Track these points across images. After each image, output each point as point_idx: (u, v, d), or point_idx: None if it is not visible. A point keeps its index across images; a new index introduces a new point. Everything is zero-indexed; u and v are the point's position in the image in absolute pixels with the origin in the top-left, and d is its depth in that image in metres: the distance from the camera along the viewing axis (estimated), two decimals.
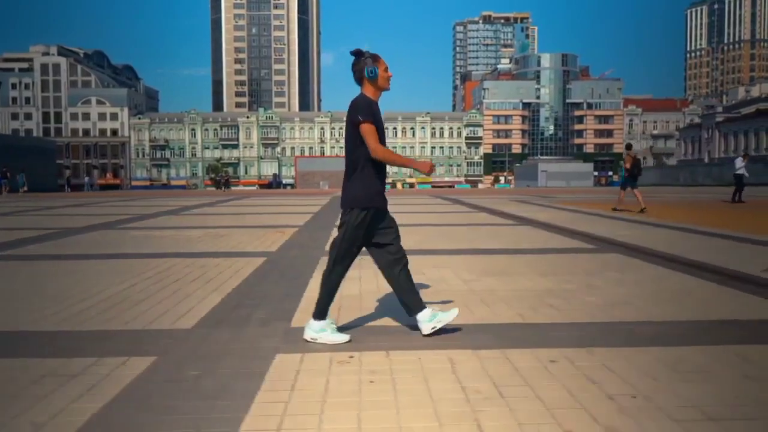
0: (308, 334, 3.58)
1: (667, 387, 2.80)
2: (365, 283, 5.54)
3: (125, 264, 6.68)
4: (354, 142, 3.55)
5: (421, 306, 3.66)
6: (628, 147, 15.71)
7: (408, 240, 9.06)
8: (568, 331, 3.78)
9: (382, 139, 3.56)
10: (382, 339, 3.65)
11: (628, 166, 15.21)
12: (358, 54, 3.59)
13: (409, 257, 6.39)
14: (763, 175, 44.22)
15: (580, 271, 6.06)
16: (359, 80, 3.59)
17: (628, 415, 2.48)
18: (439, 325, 3.63)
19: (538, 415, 2.49)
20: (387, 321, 4.14)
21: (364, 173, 3.55)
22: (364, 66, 3.54)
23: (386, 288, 4.77)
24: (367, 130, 3.48)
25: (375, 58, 3.57)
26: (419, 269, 6.28)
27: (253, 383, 2.87)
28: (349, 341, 3.55)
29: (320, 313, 3.59)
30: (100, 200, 27.35)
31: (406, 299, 3.69)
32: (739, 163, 20.07)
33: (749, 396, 2.69)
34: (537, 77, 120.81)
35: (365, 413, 2.53)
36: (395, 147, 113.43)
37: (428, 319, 3.64)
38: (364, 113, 3.48)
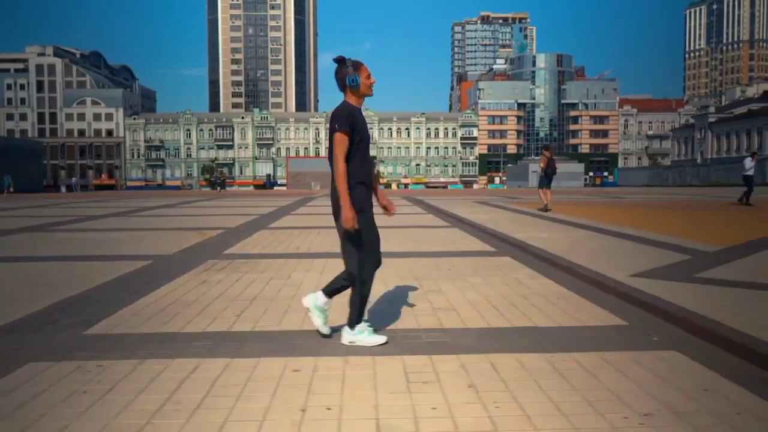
0: (346, 338, 3.62)
1: (371, 398, 2.75)
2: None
3: (1, 267, 6.65)
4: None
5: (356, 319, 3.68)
6: (546, 148, 16.01)
7: (314, 242, 9.06)
8: None
9: (365, 143, 3.62)
10: (149, 348, 3.60)
11: (543, 165, 15.38)
12: (340, 62, 3.63)
13: (292, 260, 6.44)
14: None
15: (448, 275, 6.01)
16: (342, 88, 3.64)
17: (297, 427, 2.43)
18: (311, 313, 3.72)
19: (204, 426, 2.45)
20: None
21: (350, 178, 3.57)
22: (346, 74, 3.57)
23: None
24: (338, 139, 3.49)
25: (357, 66, 3.60)
26: (289, 272, 6.25)
27: None
28: (386, 342, 3.60)
29: (357, 320, 3.62)
30: (75, 201, 27.34)
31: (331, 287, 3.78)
32: (749, 163, 18.82)
33: (442, 406, 2.64)
34: (532, 78, 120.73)
35: (30, 424, 2.48)
36: (390, 147, 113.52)
37: (318, 306, 3.71)
38: (340, 122, 3.51)
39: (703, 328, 3.91)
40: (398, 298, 4.92)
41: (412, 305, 4.68)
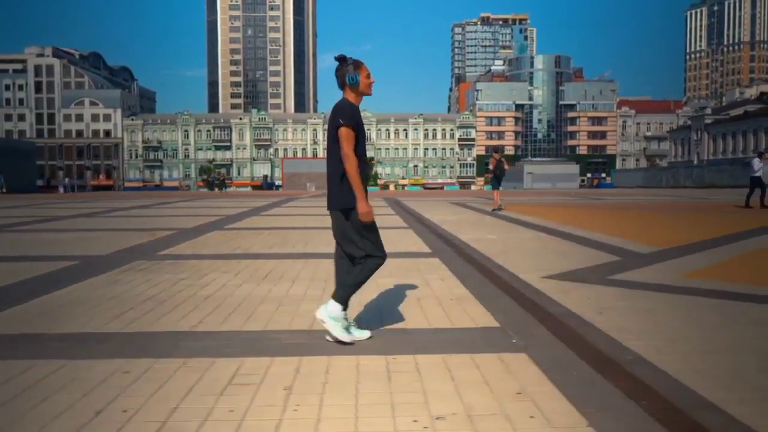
0: (321, 313, 3.57)
1: (176, 400, 2.72)
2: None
3: None
4: (337, 144, 3.58)
5: (338, 299, 3.60)
6: (495, 151, 16.19)
7: (257, 243, 9.02)
8: (202, 340, 3.71)
9: (362, 143, 3.63)
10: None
11: (492, 167, 15.51)
12: (341, 60, 3.66)
13: (220, 261, 6.29)
14: (743, 176, 43.95)
15: None
16: (341, 85, 3.66)
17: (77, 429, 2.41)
18: (326, 324, 3.58)
19: None
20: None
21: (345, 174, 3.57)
22: (346, 73, 3.60)
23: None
24: (345, 134, 3.51)
25: (357, 65, 3.62)
26: (206, 272, 6.21)
27: None
28: (352, 343, 3.55)
29: (343, 300, 3.60)
30: (60, 202, 27.33)
31: (335, 286, 3.74)
32: (757, 164, 17.56)
33: (241, 409, 2.61)
34: (530, 79, 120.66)
35: None
36: (388, 149, 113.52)
37: (332, 316, 3.56)
38: (346, 117, 3.53)
39: (570, 330, 3.89)
40: (289, 300, 4.89)
41: (297, 307, 4.65)
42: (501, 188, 17.04)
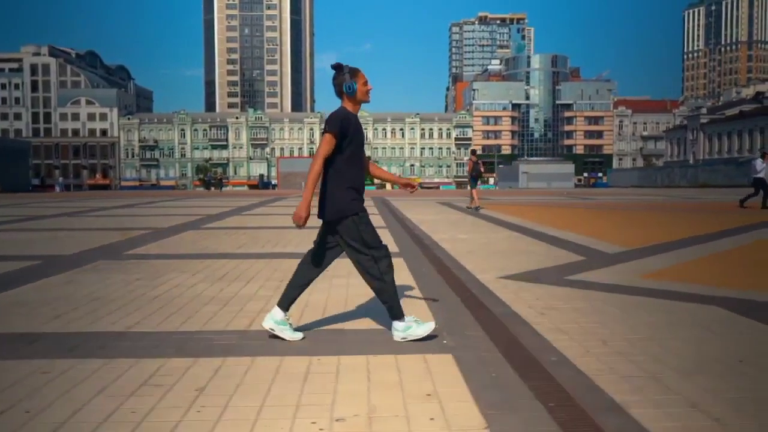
0: (398, 336, 3.62)
1: (82, 401, 2.70)
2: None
3: None
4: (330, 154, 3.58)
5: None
6: (472, 153, 16.62)
7: (227, 242, 9.00)
8: (133, 341, 3.69)
9: (357, 149, 3.63)
10: None
11: (468, 169, 15.92)
12: (337, 68, 3.65)
13: (183, 260, 6.26)
14: (737, 176, 44.02)
15: (321, 276, 5.93)
16: (339, 94, 3.64)
17: None
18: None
19: None
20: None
21: (341, 182, 3.59)
22: (343, 81, 3.60)
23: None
24: (325, 139, 3.53)
25: (354, 73, 3.62)
26: (164, 272, 6.19)
27: None
28: (435, 335, 3.65)
29: (400, 312, 3.64)
30: (49, 201, 27.31)
31: (288, 292, 3.79)
32: (759, 164, 16.79)
33: (144, 410, 2.59)
34: (527, 78, 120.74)
35: None
36: (385, 148, 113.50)
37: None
38: (331, 125, 3.53)
39: (505, 331, 3.87)
40: (237, 300, 4.87)
41: (242, 307, 4.63)
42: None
